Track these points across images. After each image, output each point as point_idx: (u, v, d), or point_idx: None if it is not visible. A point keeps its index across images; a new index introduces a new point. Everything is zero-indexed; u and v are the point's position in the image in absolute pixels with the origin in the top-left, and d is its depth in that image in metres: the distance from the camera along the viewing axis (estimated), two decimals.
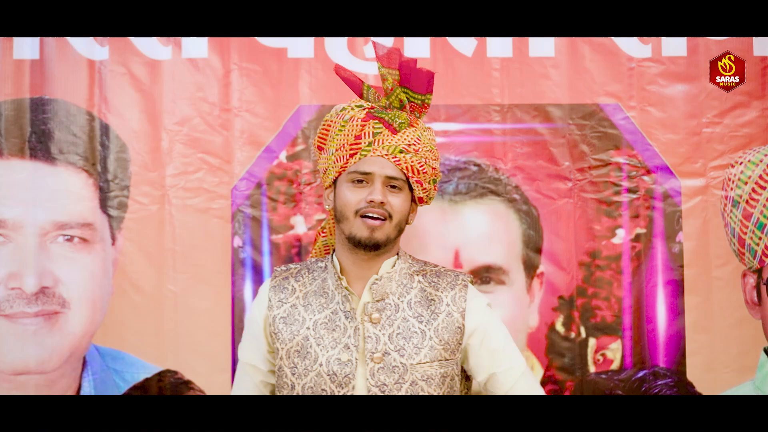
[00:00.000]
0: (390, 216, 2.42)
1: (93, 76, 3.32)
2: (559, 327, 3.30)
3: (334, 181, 2.49)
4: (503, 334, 2.52)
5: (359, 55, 3.30)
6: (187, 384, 3.26)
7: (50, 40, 3.31)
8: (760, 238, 3.25)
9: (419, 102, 2.47)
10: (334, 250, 2.58)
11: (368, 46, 3.30)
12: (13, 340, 3.25)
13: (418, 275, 2.50)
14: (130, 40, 3.31)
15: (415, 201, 2.52)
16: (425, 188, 2.49)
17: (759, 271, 3.27)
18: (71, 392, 3.28)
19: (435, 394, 2.38)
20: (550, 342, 3.30)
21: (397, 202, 2.43)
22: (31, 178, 3.29)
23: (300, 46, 3.31)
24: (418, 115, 2.50)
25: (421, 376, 2.38)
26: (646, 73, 3.33)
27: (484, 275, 3.26)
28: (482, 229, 3.30)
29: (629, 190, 3.31)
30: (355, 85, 2.52)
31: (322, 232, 2.73)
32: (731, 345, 3.29)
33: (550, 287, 3.30)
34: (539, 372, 3.29)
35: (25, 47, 3.31)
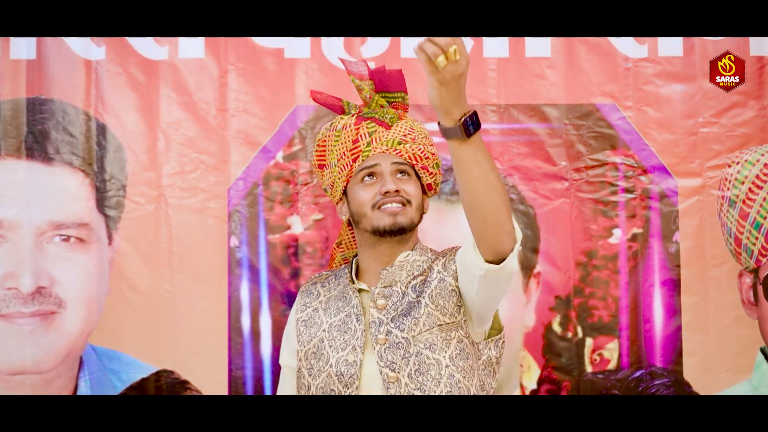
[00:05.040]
0: (408, 201, 2.44)
1: (90, 76, 3.31)
2: (556, 327, 3.30)
3: (344, 193, 2.51)
4: None
5: (356, 56, 3.29)
6: (184, 384, 3.26)
7: (47, 40, 3.30)
8: (756, 238, 3.25)
9: (399, 100, 2.51)
10: (355, 256, 2.60)
11: (365, 46, 3.30)
12: (10, 341, 3.24)
13: (428, 266, 2.50)
14: (127, 41, 3.31)
15: (425, 191, 2.53)
16: (432, 173, 2.51)
17: (755, 271, 3.28)
18: (67, 392, 3.27)
19: (441, 359, 2.38)
20: (546, 342, 3.30)
21: (410, 188, 2.46)
22: (27, 178, 3.28)
23: (296, 47, 3.31)
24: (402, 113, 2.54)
25: (424, 345, 2.38)
26: (643, 73, 3.33)
27: None
28: None
29: (626, 190, 3.31)
30: (335, 105, 2.57)
31: (339, 247, 2.74)
32: (728, 345, 3.29)
33: (547, 287, 3.30)
34: (536, 372, 3.30)
35: (22, 47, 3.30)
